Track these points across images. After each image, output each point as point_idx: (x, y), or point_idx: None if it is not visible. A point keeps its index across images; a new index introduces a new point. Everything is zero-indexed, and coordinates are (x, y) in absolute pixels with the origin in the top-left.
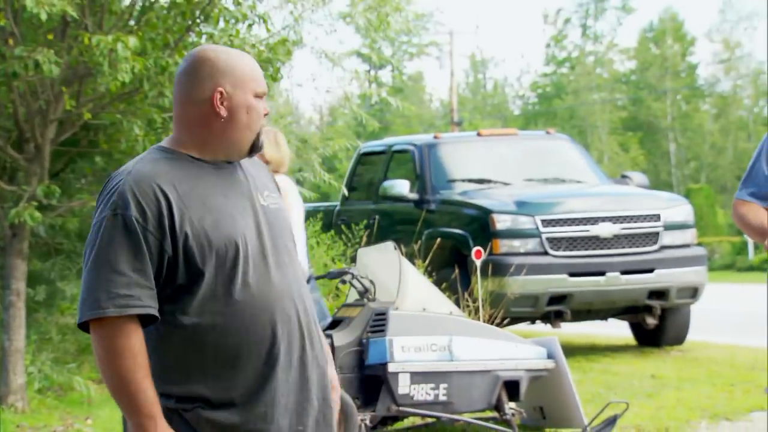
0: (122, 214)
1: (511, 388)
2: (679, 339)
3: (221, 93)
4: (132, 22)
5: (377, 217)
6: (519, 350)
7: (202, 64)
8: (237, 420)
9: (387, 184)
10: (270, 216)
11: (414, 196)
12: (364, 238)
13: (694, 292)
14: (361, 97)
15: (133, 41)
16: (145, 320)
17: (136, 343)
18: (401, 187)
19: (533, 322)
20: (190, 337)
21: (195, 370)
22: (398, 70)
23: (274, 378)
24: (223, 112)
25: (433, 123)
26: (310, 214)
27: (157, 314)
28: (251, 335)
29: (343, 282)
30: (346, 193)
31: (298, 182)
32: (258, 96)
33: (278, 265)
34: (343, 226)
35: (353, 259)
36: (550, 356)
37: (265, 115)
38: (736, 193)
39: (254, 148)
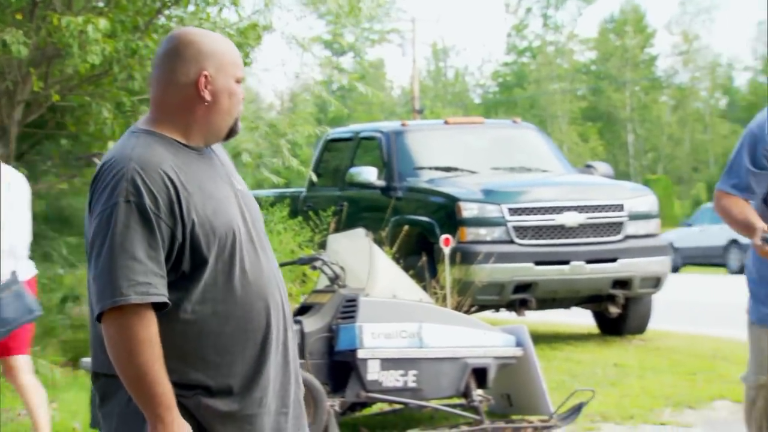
0: (136, 202)
1: (480, 375)
2: (641, 328)
3: (206, 77)
4: (101, 4)
5: (344, 203)
6: (488, 338)
7: (186, 47)
8: (236, 407)
9: (354, 170)
10: (246, 200)
11: (381, 183)
12: (332, 225)
13: (656, 282)
14: (322, 83)
15: (103, 23)
16: (155, 309)
17: (155, 332)
18: (368, 173)
19: (497, 310)
20: (190, 326)
21: (194, 358)
22: (360, 57)
23: (268, 363)
24: (207, 96)
25: (394, 110)
26: (276, 200)
27: (169, 303)
28: (249, 322)
29: (314, 268)
30: (314, 179)
31: (266, 167)
32: (238, 81)
33: (263, 250)
34: (310, 213)
35: (321, 245)
36: (518, 344)
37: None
38: (718, 184)
39: (231, 133)
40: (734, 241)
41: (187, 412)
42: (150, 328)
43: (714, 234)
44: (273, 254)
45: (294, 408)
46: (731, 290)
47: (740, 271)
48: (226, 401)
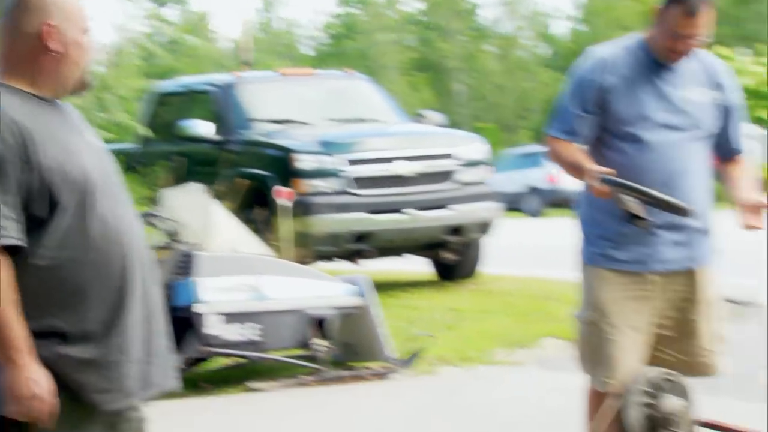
0: None
1: (322, 325)
2: (472, 272)
3: (51, 26)
4: None
5: (178, 158)
6: (328, 288)
7: None
8: (94, 353)
9: (184, 124)
10: (101, 153)
11: (214, 136)
12: (165, 180)
13: (486, 227)
14: (148, 35)
15: None
16: (10, 254)
17: (8, 275)
18: (200, 127)
19: (331, 259)
20: (46, 271)
21: (51, 304)
22: (184, 8)
23: (127, 309)
24: (53, 46)
25: (222, 63)
26: None
27: (24, 246)
28: (105, 267)
29: (148, 224)
30: (148, 133)
31: (92, 122)
32: (85, 31)
33: (120, 200)
34: (143, 168)
35: (155, 201)
36: (359, 294)
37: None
38: (548, 129)
39: (82, 86)
40: (533, 188)
41: (46, 366)
42: (2, 272)
43: (512, 180)
44: (131, 204)
45: (162, 358)
46: (536, 233)
47: (536, 214)
48: (84, 348)
